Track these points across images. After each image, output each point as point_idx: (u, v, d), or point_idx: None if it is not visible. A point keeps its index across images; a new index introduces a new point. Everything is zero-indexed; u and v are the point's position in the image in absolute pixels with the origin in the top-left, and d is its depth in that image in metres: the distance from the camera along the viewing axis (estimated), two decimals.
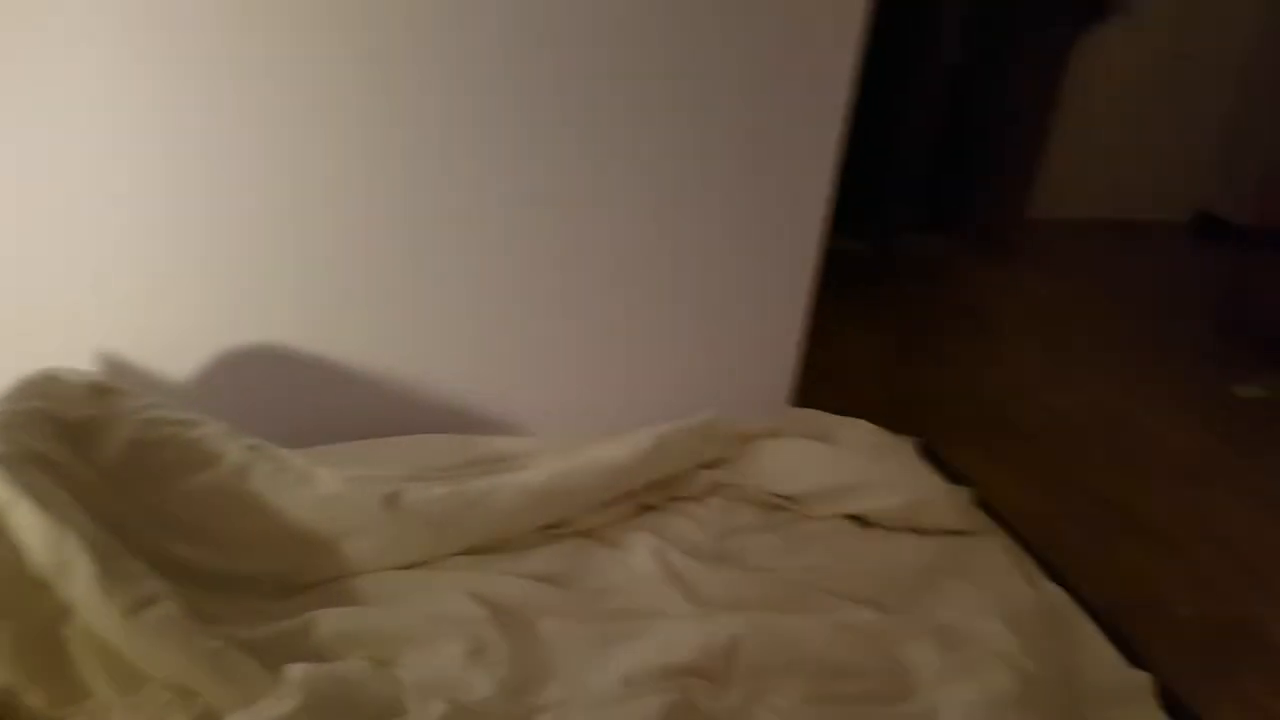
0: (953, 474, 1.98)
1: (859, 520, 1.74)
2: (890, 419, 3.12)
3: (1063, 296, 4.43)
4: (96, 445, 1.33)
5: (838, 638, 1.36)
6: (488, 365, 2.00)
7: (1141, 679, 1.38)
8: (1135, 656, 1.44)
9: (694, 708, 1.23)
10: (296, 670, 1.11)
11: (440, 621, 1.27)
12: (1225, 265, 4.35)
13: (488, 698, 1.18)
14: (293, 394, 1.88)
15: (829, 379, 3.40)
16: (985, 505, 1.89)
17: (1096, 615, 1.55)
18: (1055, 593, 1.59)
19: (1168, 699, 1.35)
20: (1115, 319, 4.20)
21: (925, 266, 4.71)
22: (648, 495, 1.73)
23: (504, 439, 1.78)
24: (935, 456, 2.06)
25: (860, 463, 1.84)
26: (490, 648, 1.25)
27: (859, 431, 1.99)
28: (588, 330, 2.11)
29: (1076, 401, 3.37)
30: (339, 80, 1.69)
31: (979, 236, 4.71)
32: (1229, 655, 2.20)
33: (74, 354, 1.70)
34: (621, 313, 2.12)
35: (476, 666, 1.21)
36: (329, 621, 1.25)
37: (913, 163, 4.20)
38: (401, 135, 1.76)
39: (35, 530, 1.11)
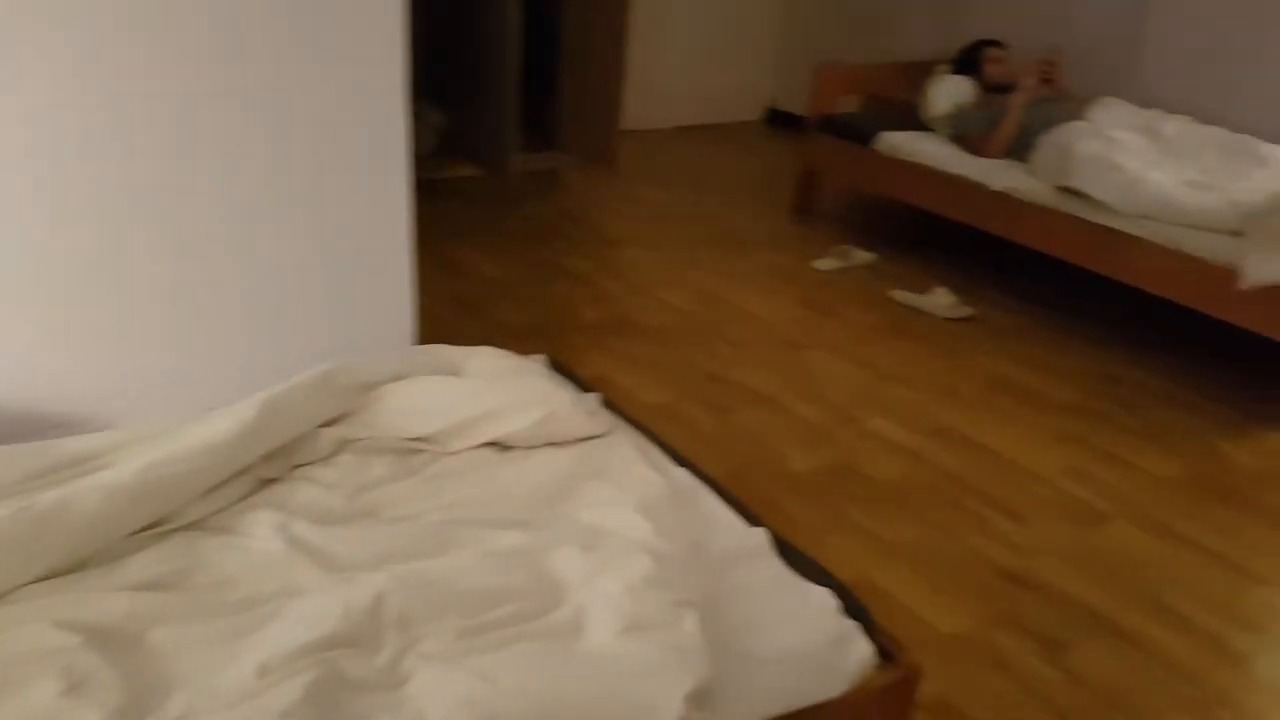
0: (581, 383, 2.03)
1: (498, 447, 1.74)
2: (527, 337, 3.18)
3: (663, 199, 4.68)
4: None
5: (484, 567, 1.35)
6: (54, 356, 1.76)
7: (759, 535, 1.50)
8: (752, 517, 1.56)
9: (341, 678, 1.16)
10: None
11: (23, 662, 1.10)
12: (794, 155, 4.80)
13: None
14: None
15: (466, 307, 3.38)
16: (613, 406, 1.95)
17: (717, 487, 1.66)
18: (681, 475, 1.69)
19: (781, 547, 1.48)
20: (709, 214, 4.51)
21: (538, 185, 4.77)
22: (267, 468, 1.60)
23: (80, 438, 1.55)
24: (563, 369, 2.10)
25: (490, 390, 1.82)
26: (91, 677, 1.10)
27: (486, 359, 1.97)
28: (178, 301, 1.93)
29: (687, 295, 3.60)
30: None
31: (581, 151, 4.83)
32: (836, 493, 2.48)
33: None
34: (216, 276, 1.98)
35: (78, 701, 1.06)
36: None
37: (509, 88, 4.20)
38: None
39: None
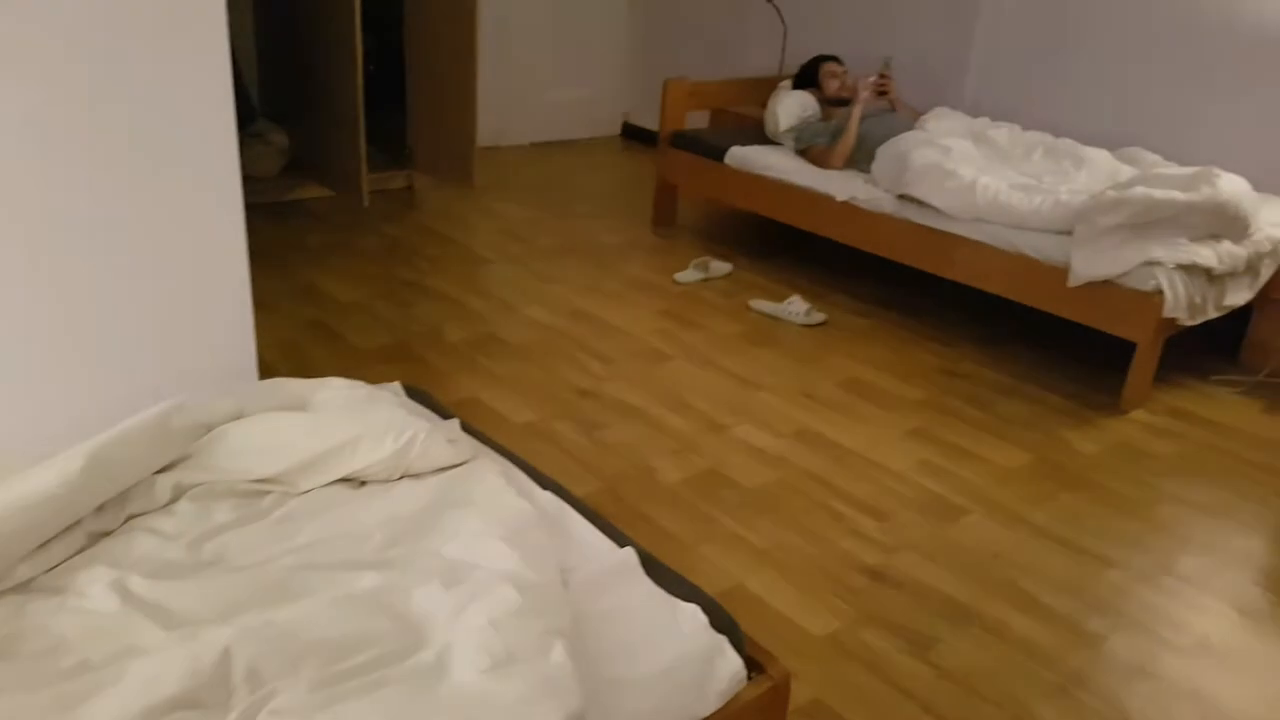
0: (440, 408, 1.97)
1: (352, 483, 1.67)
2: (390, 360, 3.09)
3: (524, 215, 4.65)
4: None
5: (339, 612, 1.29)
6: None
7: (627, 555, 1.48)
8: (620, 537, 1.55)
9: None
10: None
11: None
12: (651, 170, 4.84)
13: None
14: None
15: (323, 333, 3.26)
16: (475, 430, 1.91)
17: (585, 509, 1.63)
18: (547, 498, 1.65)
19: (650, 564, 1.47)
20: (571, 229, 4.50)
21: (394, 204, 4.67)
22: (99, 521, 1.50)
23: None
24: (421, 395, 2.04)
25: (340, 423, 1.75)
26: None
27: (334, 390, 1.89)
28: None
29: (552, 310, 3.58)
30: None
31: (437, 169, 4.75)
32: (706, 502, 2.49)
33: None
34: (36, 313, 1.87)
35: None
36: None
37: (355, 106, 4.08)
38: None
39: None
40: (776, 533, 2.36)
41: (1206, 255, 2.95)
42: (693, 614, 1.36)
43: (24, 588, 1.35)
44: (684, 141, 4.35)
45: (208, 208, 2.03)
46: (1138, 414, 3.05)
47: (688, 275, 3.92)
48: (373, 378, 2.19)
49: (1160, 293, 2.91)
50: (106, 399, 2.00)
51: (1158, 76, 3.85)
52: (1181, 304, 2.92)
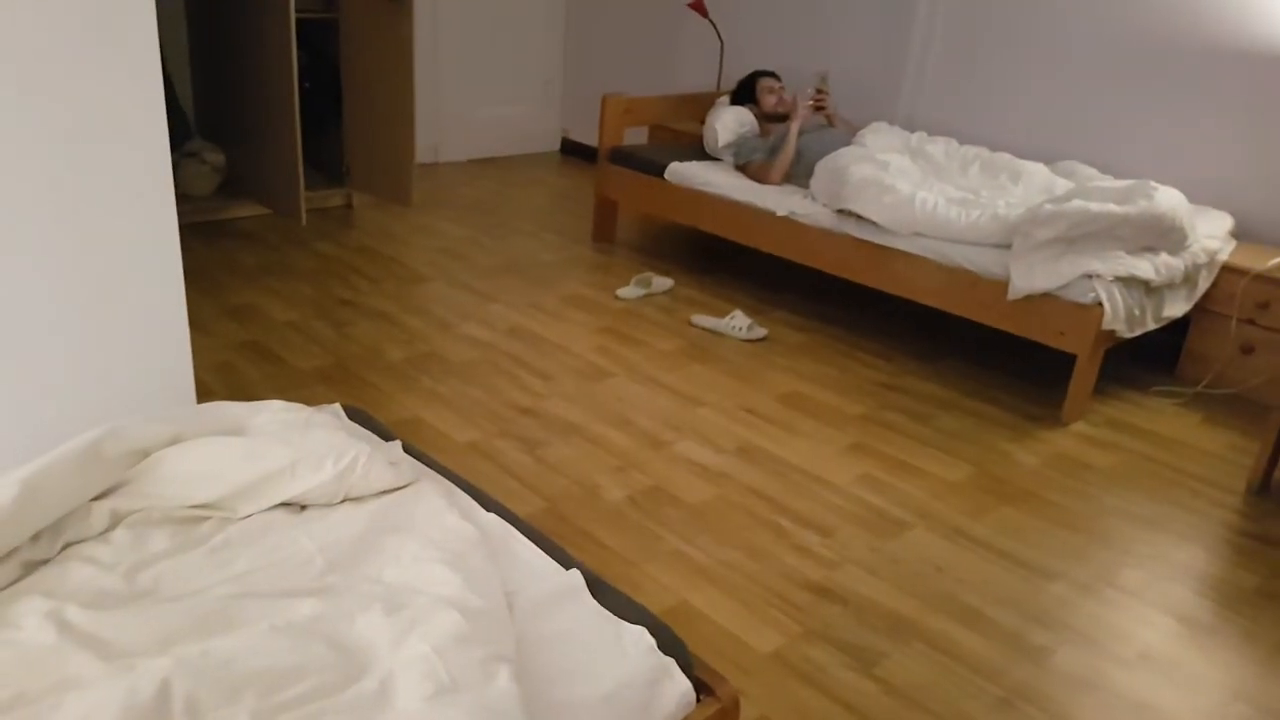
0: (382, 430, 1.95)
1: (292, 508, 1.64)
2: (329, 381, 3.05)
3: (463, 233, 4.62)
4: None
5: (278, 641, 1.26)
6: None
7: (572, 577, 1.47)
8: (565, 558, 1.54)
9: None
10: None
11: None
12: (591, 186, 4.84)
13: None
14: None
15: (260, 355, 3.20)
16: (418, 451, 1.89)
17: (529, 530, 1.62)
18: (491, 520, 1.64)
19: (595, 585, 1.46)
20: (510, 247, 4.49)
21: (331, 223, 4.61)
22: (34, 550, 1.45)
23: None
24: (362, 416, 2.01)
25: (278, 447, 1.72)
26: None
27: (272, 413, 1.85)
28: None
29: (492, 329, 3.56)
30: None
31: (375, 187, 4.70)
32: (650, 519, 2.49)
33: None
34: None
35: None
36: None
37: (291, 125, 4.03)
38: None
39: None
40: (720, 549, 2.37)
41: (1144, 267, 3.03)
42: (639, 636, 1.36)
43: None
44: (623, 158, 4.37)
45: (141, 228, 1.99)
46: (1077, 426, 3.12)
47: (630, 291, 3.92)
48: (312, 399, 2.16)
49: (1099, 305, 2.98)
50: (39, 425, 1.96)
51: (1093, 90, 3.96)
52: (1120, 316, 3.00)
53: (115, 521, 1.55)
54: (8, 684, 1.21)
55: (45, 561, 1.47)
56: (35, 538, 1.46)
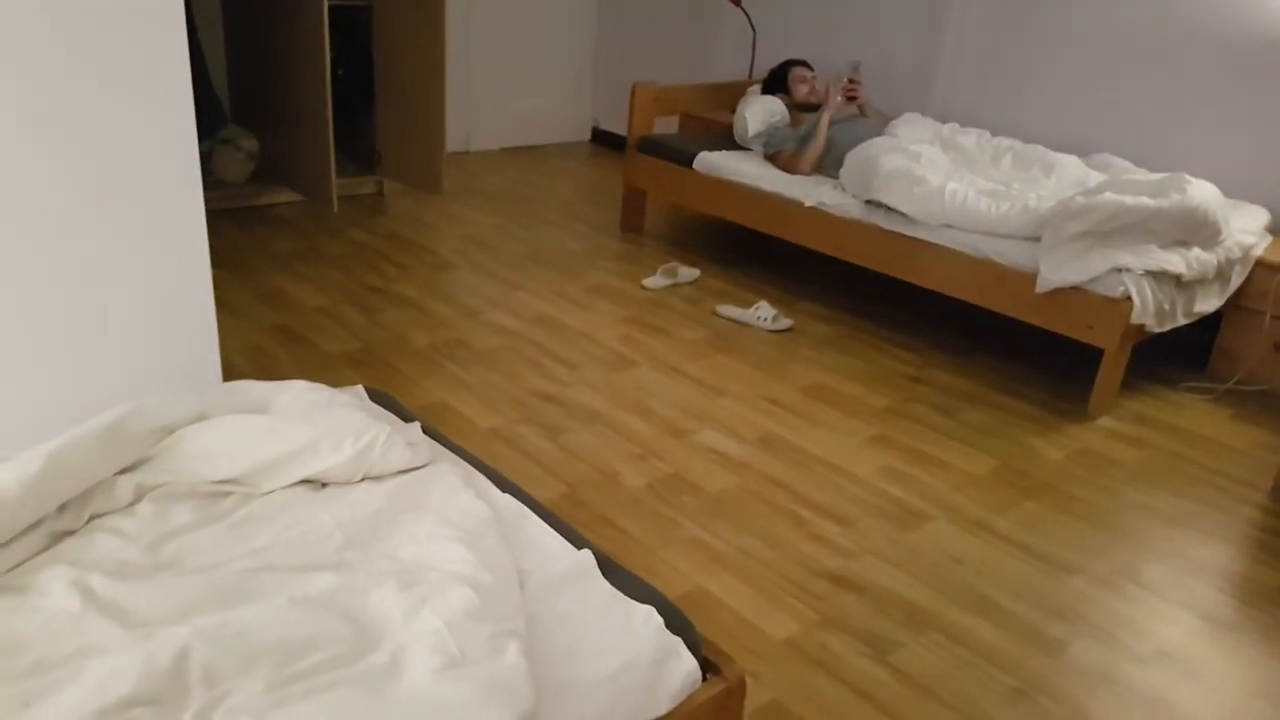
0: (403, 412, 1.97)
1: (312, 485, 1.67)
2: (356, 365, 3.09)
3: (492, 221, 4.65)
4: None
5: (294, 614, 1.29)
6: None
7: (584, 557, 1.49)
8: (578, 540, 1.56)
9: None
10: None
11: None
12: (620, 175, 4.85)
13: None
14: None
15: (290, 338, 3.25)
16: (437, 434, 1.91)
17: (543, 512, 1.64)
18: (506, 501, 1.66)
19: (607, 566, 1.48)
20: (539, 235, 4.51)
21: (362, 210, 4.66)
22: (61, 520, 1.50)
23: None
24: (384, 398, 2.04)
25: (300, 426, 1.75)
26: None
27: (296, 393, 1.89)
28: None
29: (518, 316, 3.58)
30: None
31: (406, 175, 4.74)
32: (669, 507, 2.50)
33: None
34: (7, 322, 1.87)
35: None
36: None
37: (325, 112, 4.07)
38: None
39: None
40: (737, 537, 2.37)
41: (1175, 262, 2.99)
42: (647, 615, 1.37)
43: None
44: (652, 147, 4.37)
45: (169, 211, 2.02)
46: (1104, 421, 3.09)
47: (656, 281, 3.93)
48: (339, 382, 2.19)
49: (1128, 299, 2.95)
50: (69, 401, 1.99)
51: (1128, 82, 3.91)
52: (1149, 311, 2.96)
53: (140, 495, 1.58)
54: (32, 649, 1.25)
55: (72, 532, 1.51)
56: (62, 509, 1.50)
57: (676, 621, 1.37)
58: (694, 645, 1.36)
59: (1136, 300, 2.94)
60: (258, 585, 1.38)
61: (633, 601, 1.40)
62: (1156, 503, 2.67)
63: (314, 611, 1.30)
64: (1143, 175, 3.42)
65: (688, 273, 4.00)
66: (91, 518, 1.54)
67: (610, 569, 1.47)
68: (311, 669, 1.20)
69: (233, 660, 1.22)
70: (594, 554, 1.50)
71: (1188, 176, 3.16)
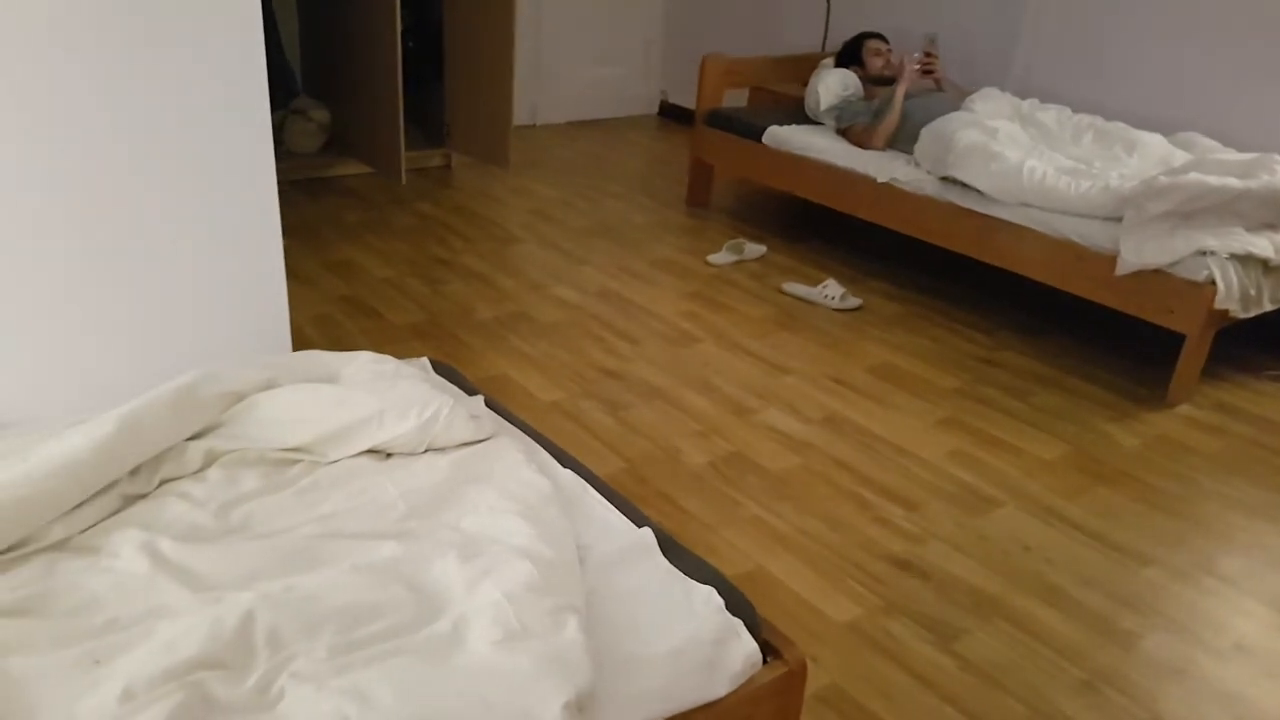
0: (466, 384, 1.98)
1: (377, 454, 1.68)
2: (421, 337, 3.11)
3: (557, 195, 4.64)
4: None
5: (358, 581, 1.30)
6: None
7: (644, 535, 1.48)
8: (639, 517, 1.54)
9: (208, 701, 1.11)
10: None
11: None
12: (687, 149, 4.81)
13: None
14: None
15: (358, 309, 3.29)
16: (500, 407, 1.91)
17: (604, 488, 1.63)
18: (567, 476, 1.65)
19: (667, 545, 1.47)
20: (604, 209, 4.49)
21: (430, 182, 4.69)
22: (133, 484, 1.53)
23: None
24: (448, 370, 2.05)
25: (367, 396, 1.76)
26: None
27: (363, 363, 1.90)
28: (32, 309, 1.86)
29: (582, 290, 3.57)
30: None
31: (473, 148, 4.75)
32: (730, 485, 2.48)
33: None
34: (75, 283, 1.92)
35: None
36: None
37: (394, 84, 4.10)
38: None
39: None
40: (800, 518, 2.34)
41: (1263, 245, 2.87)
42: (708, 596, 1.35)
43: (58, 547, 1.38)
44: (720, 120, 4.32)
45: (242, 183, 2.05)
46: (1183, 408, 2.99)
47: (721, 257, 3.89)
48: (405, 353, 2.20)
49: (1212, 283, 2.84)
50: (144, 368, 2.04)
51: (1216, 58, 3.75)
52: (1234, 296, 2.85)
53: (210, 461, 1.61)
54: (103, 609, 1.28)
55: (143, 496, 1.53)
56: (134, 473, 1.53)
57: (737, 602, 1.36)
58: (754, 627, 1.34)
59: (1221, 285, 2.83)
60: (323, 552, 1.39)
61: (693, 581, 1.38)
62: (1235, 493, 2.57)
63: (378, 579, 1.31)
64: (1230, 155, 3.28)
65: (754, 249, 3.95)
66: (162, 482, 1.57)
67: (670, 548, 1.46)
68: (374, 636, 1.21)
69: (297, 625, 1.23)
70: (654, 532, 1.48)
71: (1278, 157, 3.02)
